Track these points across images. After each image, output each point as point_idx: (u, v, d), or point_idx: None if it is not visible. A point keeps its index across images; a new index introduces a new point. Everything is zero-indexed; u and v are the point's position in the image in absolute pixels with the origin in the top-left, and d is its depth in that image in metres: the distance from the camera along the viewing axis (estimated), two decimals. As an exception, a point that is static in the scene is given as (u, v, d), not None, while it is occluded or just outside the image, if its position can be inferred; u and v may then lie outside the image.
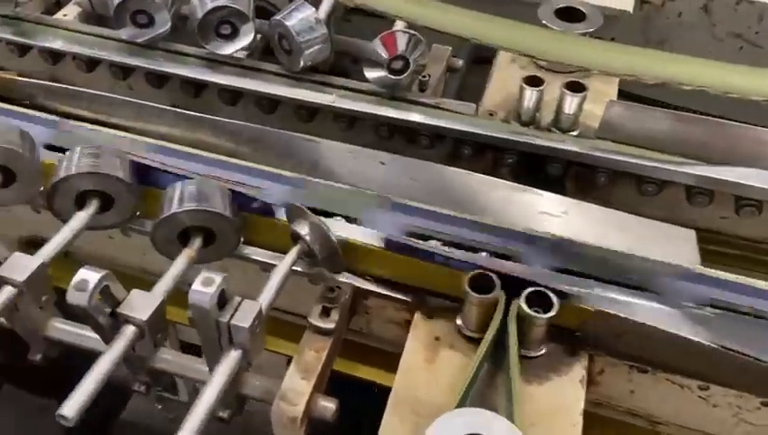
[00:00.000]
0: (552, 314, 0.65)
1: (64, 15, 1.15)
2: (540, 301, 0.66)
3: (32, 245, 0.91)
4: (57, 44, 1.06)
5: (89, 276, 0.57)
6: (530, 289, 0.66)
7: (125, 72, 1.06)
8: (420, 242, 0.71)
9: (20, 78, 0.96)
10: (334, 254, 0.70)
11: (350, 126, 1.00)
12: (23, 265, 0.63)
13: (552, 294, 0.66)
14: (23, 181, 0.77)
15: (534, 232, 0.72)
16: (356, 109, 0.97)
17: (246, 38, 1.00)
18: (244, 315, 0.58)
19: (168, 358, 0.66)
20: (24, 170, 0.77)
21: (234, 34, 1.00)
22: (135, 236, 0.82)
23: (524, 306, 0.65)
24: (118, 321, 0.60)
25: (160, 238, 0.71)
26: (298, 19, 0.96)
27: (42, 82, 0.96)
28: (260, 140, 0.92)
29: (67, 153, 0.74)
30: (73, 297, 0.57)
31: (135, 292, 0.61)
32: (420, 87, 1.04)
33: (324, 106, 0.98)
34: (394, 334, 0.79)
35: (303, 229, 0.70)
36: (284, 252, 0.80)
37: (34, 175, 0.78)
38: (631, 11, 1.18)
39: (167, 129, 0.95)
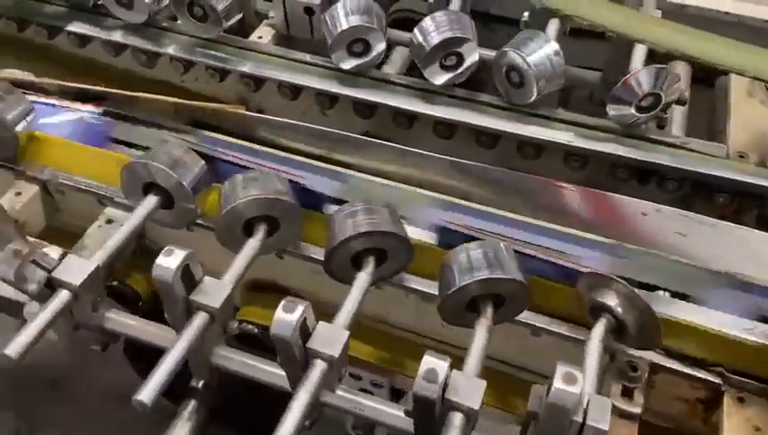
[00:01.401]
0: None
1: (259, 38, 1.11)
2: None
3: (256, 288, 0.88)
4: (261, 70, 1.02)
5: (438, 366, 0.52)
6: None
7: (332, 100, 1.02)
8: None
9: (248, 112, 0.92)
10: (652, 331, 0.63)
11: (583, 166, 0.93)
12: (335, 339, 0.58)
13: None
14: (285, 229, 0.73)
15: None
16: (598, 149, 0.89)
17: (468, 64, 0.94)
18: (602, 416, 0.52)
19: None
20: (288, 219, 0.73)
21: (458, 64, 0.94)
22: (386, 287, 0.77)
23: None
24: (445, 407, 0.55)
25: (449, 308, 0.66)
26: (535, 51, 0.89)
27: (268, 117, 0.91)
28: (499, 182, 0.85)
29: (339, 213, 0.69)
30: (422, 389, 0.51)
31: (458, 374, 0.56)
32: (659, 123, 0.96)
33: (559, 144, 0.91)
34: (678, 411, 0.72)
35: (612, 301, 0.63)
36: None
37: (297, 223, 0.73)
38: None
39: (393, 167, 0.89)
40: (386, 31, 0.97)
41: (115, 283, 0.86)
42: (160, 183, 0.73)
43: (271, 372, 0.67)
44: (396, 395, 0.96)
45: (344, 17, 0.94)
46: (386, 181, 0.80)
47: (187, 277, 0.61)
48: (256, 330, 0.83)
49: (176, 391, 0.63)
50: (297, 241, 0.77)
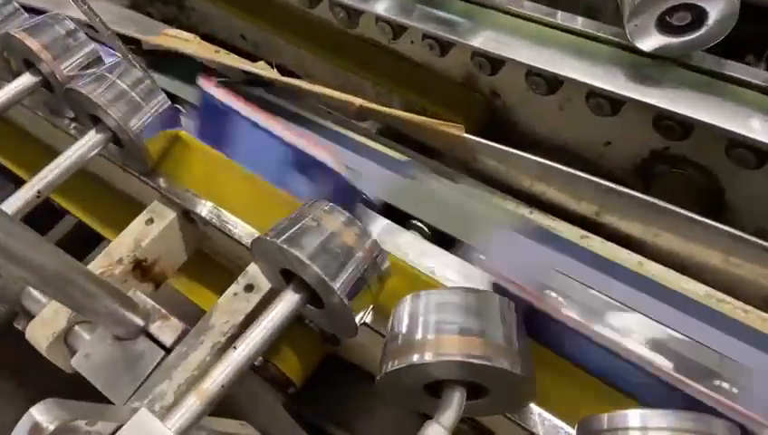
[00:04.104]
0: None
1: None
2: None
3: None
4: (500, 46, 0.65)
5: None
6: None
7: (614, 103, 0.61)
8: None
9: (469, 136, 0.56)
10: None
11: None
12: None
13: None
14: (498, 397, 0.40)
15: None
16: None
17: None
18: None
19: None
20: (504, 388, 0.39)
21: None
22: None
23: None
24: None
25: None
26: None
27: (502, 147, 0.55)
28: None
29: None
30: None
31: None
32: None
33: None
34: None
35: None
36: None
37: (523, 393, 0.39)
38: None
39: (718, 259, 0.48)
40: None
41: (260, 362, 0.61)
42: (301, 275, 0.43)
43: None
44: None
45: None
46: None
47: None
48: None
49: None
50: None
